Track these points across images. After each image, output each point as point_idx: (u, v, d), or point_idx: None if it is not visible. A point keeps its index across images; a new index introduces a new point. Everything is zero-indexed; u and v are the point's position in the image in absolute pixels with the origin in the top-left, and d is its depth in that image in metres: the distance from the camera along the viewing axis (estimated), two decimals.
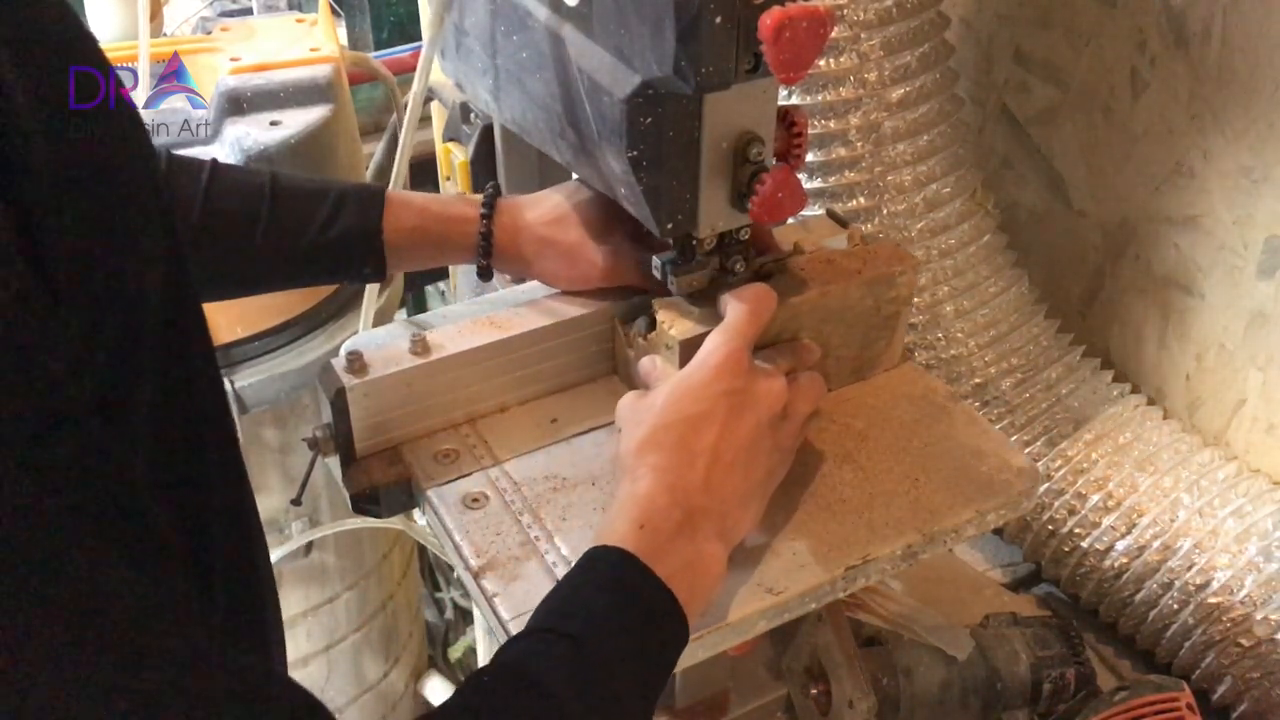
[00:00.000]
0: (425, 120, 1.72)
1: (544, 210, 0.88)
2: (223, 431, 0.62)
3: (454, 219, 0.87)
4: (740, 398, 0.70)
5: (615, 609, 0.62)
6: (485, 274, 0.89)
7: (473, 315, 0.86)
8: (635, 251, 0.85)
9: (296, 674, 1.51)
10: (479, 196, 0.87)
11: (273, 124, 1.18)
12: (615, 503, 0.68)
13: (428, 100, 1.44)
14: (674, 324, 0.78)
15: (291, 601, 1.45)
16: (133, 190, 0.50)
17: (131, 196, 0.49)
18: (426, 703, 1.88)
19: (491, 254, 0.87)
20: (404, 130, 0.92)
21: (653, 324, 0.81)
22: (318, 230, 0.83)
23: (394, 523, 1.27)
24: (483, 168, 1.03)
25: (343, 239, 0.83)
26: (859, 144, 1.13)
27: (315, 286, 0.91)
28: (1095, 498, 1.15)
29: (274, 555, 1.37)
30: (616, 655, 0.60)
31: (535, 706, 0.57)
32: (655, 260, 0.81)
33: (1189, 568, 1.09)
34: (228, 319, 1.17)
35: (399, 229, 0.85)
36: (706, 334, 0.75)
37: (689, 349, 0.76)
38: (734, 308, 0.74)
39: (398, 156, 0.93)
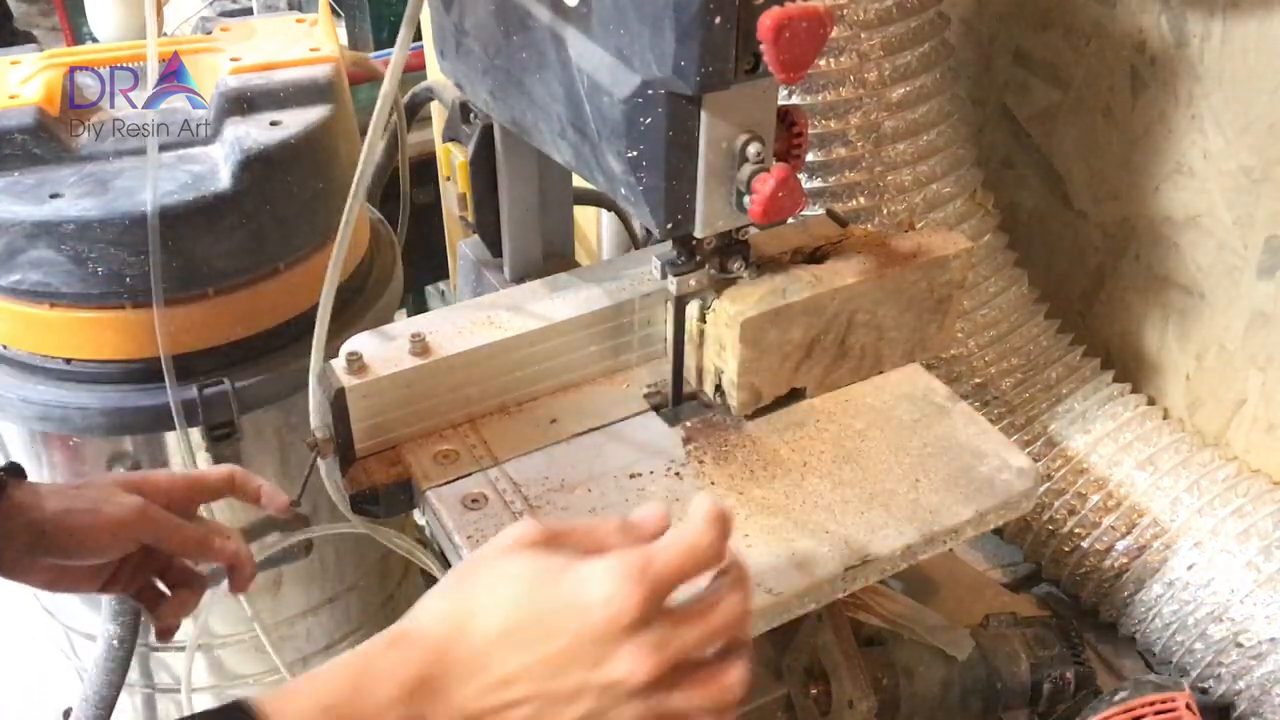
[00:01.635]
0: (425, 120, 1.72)
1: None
2: None
3: None
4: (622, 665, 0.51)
5: None
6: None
7: (472, 315, 0.86)
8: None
9: (296, 674, 1.51)
10: None
11: (273, 124, 1.18)
12: (355, 651, 0.53)
13: (427, 100, 1.44)
14: (734, 303, 0.78)
15: (291, 601, 1.45)
16: None
17: None
18: None
19: None
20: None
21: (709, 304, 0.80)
22: None
23: (382, 531, 1.27)
24: (483, 168, 1.03)
25: None
26: (859, 144, 1.13)
27: None
28: (1095, 498, 1.15)
29: (274, 554, 1.37)
30: None
31: None
32: (655, 260, 0.81)
33: (1189, 567, 1.09)
34: (228, 319, 1.16)
35: None
36: (769, 312, 0.73)
37: (750, 328, 0.76)
38: (695, 527, 0.53)
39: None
